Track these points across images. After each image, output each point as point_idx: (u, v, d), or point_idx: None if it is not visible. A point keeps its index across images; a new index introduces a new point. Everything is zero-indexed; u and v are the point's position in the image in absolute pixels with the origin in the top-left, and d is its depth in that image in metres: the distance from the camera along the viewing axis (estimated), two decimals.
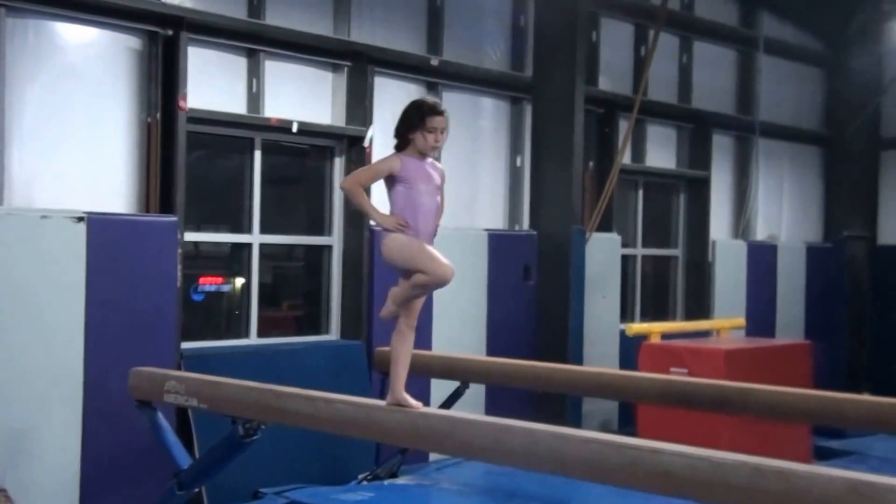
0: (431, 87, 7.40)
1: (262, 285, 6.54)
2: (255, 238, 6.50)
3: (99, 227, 5.28)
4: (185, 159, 5.84)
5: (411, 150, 3.67)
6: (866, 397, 5.13)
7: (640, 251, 9.17)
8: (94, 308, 5.25)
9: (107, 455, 5.26)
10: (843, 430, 7.57)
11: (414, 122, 3.65)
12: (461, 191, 7.28)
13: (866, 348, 10.61)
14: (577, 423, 7.26)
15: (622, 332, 7.89)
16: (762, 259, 9.73)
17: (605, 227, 8.22)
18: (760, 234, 10.21)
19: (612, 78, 8.65)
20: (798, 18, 10.46)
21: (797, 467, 2.81)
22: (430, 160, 3.72)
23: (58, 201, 5.44)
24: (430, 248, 3.63)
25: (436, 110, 3.66)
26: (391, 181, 3.68)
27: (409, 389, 6.06)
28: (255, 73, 6.36)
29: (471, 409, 3.60)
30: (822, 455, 7.24)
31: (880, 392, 7.45)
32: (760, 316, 9.46)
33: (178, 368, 5.53)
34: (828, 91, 10.94)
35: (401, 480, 5.80)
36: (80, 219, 5.22)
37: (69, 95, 5.57)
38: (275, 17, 6.43)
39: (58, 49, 5.55)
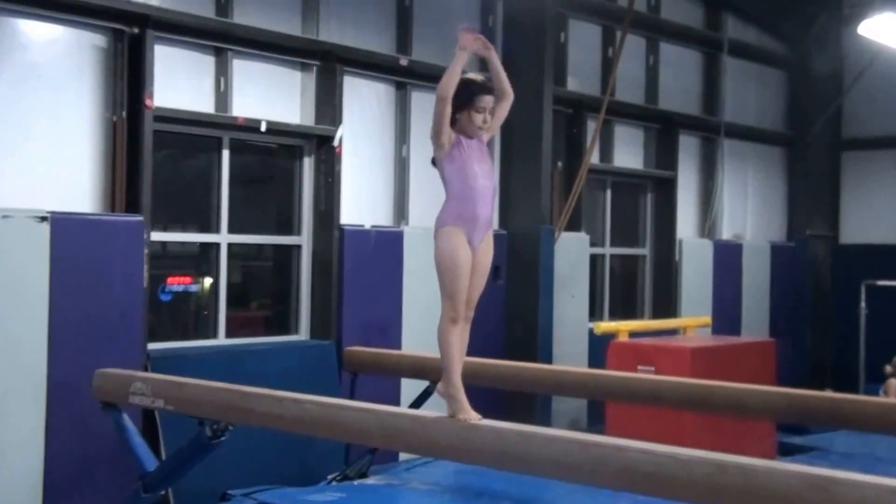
0: (401, 87, 7.40)
1: (230, 285, 6.51)
2: (224, 238, 6.46)
3: (63, 226, 5.22)
4: (152, 158, 5.79)
5: (457, 131, 3.40)
6: (829, 394, 5.22)
7: (608, 250, 9.25)
8: (59, 309, 5.19)
9: (71, 458, 5.19)
10: (807, 426, 7.69)
11: (463, 101, 3.35)
12: (430, 190, 7.28)
13: (829, 346, 10.79)
14: (546, 422, 7.31)
15: (590, 331, 7.96)
16: (728, 258, 9.86)
17: (573, 226, 8.28)
18: (726, 233, 10.35)
19: (580, 78, 8.71)
20: (761, 21, 10.62)
21: (759, 463, 2.86)
22: (477, 140, 3.43)
23: (21, 200, 5.36)
24: (465, 285, 3.41)
25: (486, 88, 3.42)
26: (443, 161, 3.36)
27: (378, 389, 6.07)
28: (222, 72, 6.32)
29: (440, 408, 3.60)
30: (786, 451, 7.35)
31: (843, 389, 7.63)
32: (726, 314, 9.59)
33: (145, 369, 5.48)
34: (790, 93, 11.12)
35: (370, 481, 5.80)
36: (44, 218, 5.15)
37: (33, 93, 5.49)
38: (242, 16, 6.40)
39: (21, 46, 5.48)
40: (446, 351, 3.41)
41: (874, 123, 11.00)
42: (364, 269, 6.79)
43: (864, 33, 9.08)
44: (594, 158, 8.56)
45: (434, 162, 3.47)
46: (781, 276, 10.40)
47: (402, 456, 6.36)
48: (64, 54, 5.63)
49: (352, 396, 5.60)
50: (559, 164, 8.38)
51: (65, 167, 5.64)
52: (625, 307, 9.43)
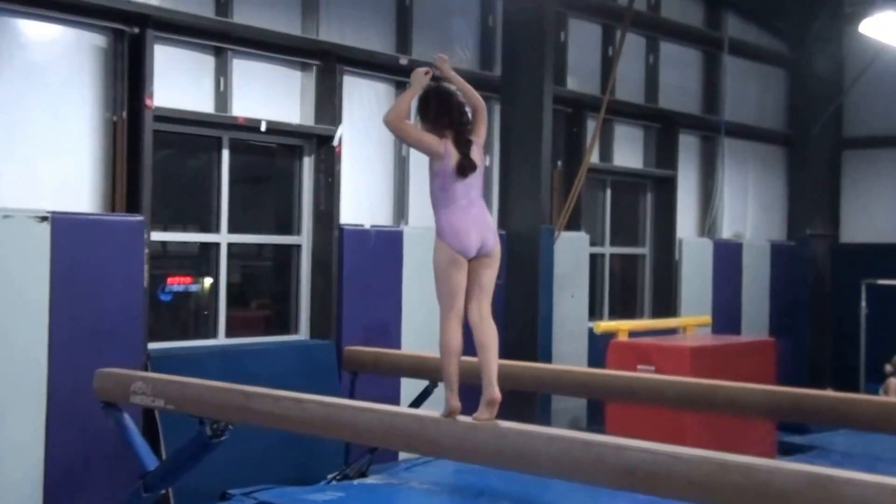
0: (400, 87, 7.40)
1: (230, 285, 6.51)
2: (223, 238, 6.46)
3: (63, 226, 5.22)
4: (152, 158, 5.79)
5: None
6: (829, 393, 5.23)
7: (608, 250, 9.25)
8: (59, 309, 5.18)
9: (72, 458, 5.19)
10: (807, 425, 7.70)
11: None
12: (427, 190, 7.29)
13: (829, 345, 10.79)
14: (546, 421, 7.31)
15: (590, 330, 7.96)
16: (728, 257, 9.86)
17: (573, 226, 8.28)
18: (726, 232, 10.35)
19: (580, 78, 8.71)
20: (762, 20, 10.62)
21: (759, 462, 2.86)
22: None
23: (21, 200, 5.36)
24: None
25: None
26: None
27: (378, 388, 6.05)
28: (222, 72, 6.32)
29: (440, 407, 3.60)
30: (787, 450, 7.35)
31: (842, 388, 7.63)
32: (726, 313, 9.59)
33: (145, 369, 5.48)
34: (791, 92, 11.12)
35: (370, 480, 5.81)
36: (44, 218, 5.15)
37: (33, 93, 5.49)
38: (242, 16, 6.40)
39: (21, 46, 5.48)
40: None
41: (875, 122, 11.00)
42: (364, 268, 6.79)
43: (865, 32, 9.08)
44: (594, 158, 8.55)
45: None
46: (782, 276, 10.39)
47: (402, 455, 6.36)
48: (64, 54, 5.63)
49: (352, 396, 5.60)
50: (559, 163, 8.38)
51: (65, 167, 5.64)
52: (624, 306, 9.43)
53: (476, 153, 3.49)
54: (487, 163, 8.00)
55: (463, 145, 3.45)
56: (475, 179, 3.49)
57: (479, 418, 3.37)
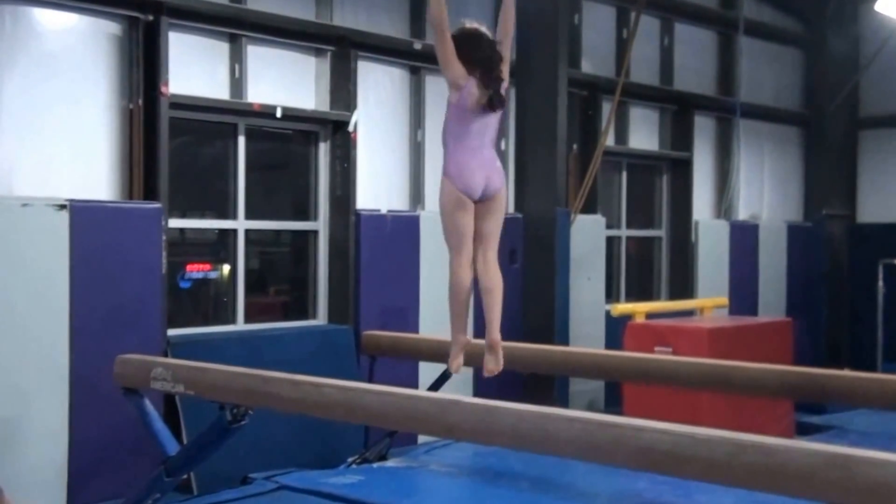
0: (415, 72, 7.40)
1: (248, 271, 6.55)
2: (241, 224, 6.50)
3: (82, 214, 5.27)
4: (169, 145, 5.82)
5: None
6: (846, 373, 5.22)
7: (624, 232, 9.23)
8: (79, 296, 5.24)
9: (94, 443, 5.27)
10: (825, 405, 7.68)
11: None
12: None
13: (846, 325, 10.75)
14: (564, 404, 7.33)
15: (607, 313, 7.96)
16: (744, 238, 9.82)
17: (589, 208, 8.27)
18: (742, 213, 10.30)
19: (595, 60, 8.67)
20: (777, 0, 10.51)
21: (777, 442, 2.87)
22: None
23: (39, 189, 5.41)
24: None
25: None
26: None
27: (396, 373, 6.11)
28: (237, 59, 6.34)
29: (459, 391, 3.63)
30: (804, 430, 7.35)
31: (860, 367, 7.61)
32: (743, 294, 9.56)
33: (165, 355, 5.53)
34: (807, 72, 11.01)
35: (390, 463, 5.85)
36: (63, 206, 5.20)
37: (49, 82, 5.53)
38: (256, 2, 6.41)
39: (37, 35, 5.51)
40: None
41: (892, 101, 10.88)
42: (381, 253, 6.82)
43: (882, 10, 8.97)
44: (609, 140, 8.53)
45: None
46: (798, 256, 10.35)
47: (421, 438, 6.41)
48: (80, 43, 5.67)
49: (370, 380, 5.64)
50: (574, 146, 8.35)
51: (82, 155, 5.68)
52: (641, 289, 9.42)
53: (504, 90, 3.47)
54: (503, 147, 7.99)
55: (494, 81, 3.42)
56: (493, 120, 3.48)
57: (488, 370, 3.40)
